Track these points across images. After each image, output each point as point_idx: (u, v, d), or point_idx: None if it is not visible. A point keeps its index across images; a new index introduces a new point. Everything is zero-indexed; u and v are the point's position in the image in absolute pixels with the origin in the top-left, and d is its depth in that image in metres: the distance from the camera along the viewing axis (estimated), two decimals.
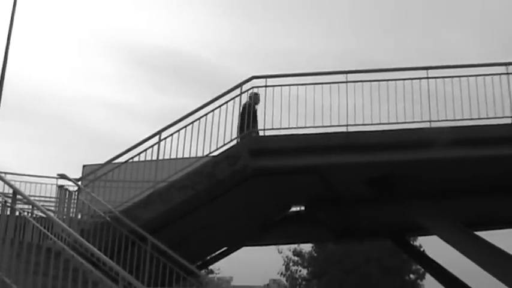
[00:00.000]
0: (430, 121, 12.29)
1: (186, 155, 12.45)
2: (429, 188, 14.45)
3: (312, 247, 34.80)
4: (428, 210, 13.30)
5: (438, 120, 12.26)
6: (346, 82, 12.62)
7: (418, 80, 12.59)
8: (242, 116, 13.25)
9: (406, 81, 12.60)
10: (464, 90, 12.38)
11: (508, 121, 12.19)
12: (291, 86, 12.59)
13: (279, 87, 12.66)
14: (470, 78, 12.48)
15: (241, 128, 13.18)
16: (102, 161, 12.77)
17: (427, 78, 12.62)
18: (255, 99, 13.57)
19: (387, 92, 12.39)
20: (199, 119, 12.69)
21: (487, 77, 12.52)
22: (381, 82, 12.48)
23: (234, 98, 12.73)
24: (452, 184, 14.46)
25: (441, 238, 13.02)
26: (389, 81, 12.53)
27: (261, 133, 12.51)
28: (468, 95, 12.34)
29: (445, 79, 12.56)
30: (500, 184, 14.53)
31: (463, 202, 15.32)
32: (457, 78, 12.52)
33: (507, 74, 12.47)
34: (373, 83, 12.52)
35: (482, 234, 14.57)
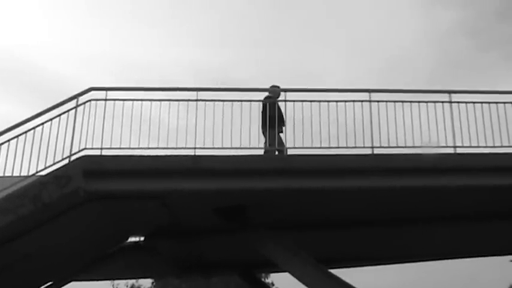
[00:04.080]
0: (286, 148, 12.82)
1: (8, 174, 12.20)
2: (283, 220, 14.85)
3: (152, 283, 34.60)
4: (279, 244, 13.67)
5: (294, 148, 12.76)
6: (197, 100, 12.88)
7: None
8: (264, 114, 13.38)
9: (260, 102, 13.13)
10: (326, 115, 12.97)
11: (368, 151, 12.88)
12: (135, 101, 12.69)
13: (122, 102, 12.73)
14: (331, 103, 13.08)
15: (263, 126, 13.32)
16: None
17: (285, 101, 13.17)
18: (275, 93, 13.65)
19: (241, 112, 12.71)
20: (26, 132, 12.47)
21: (349, 103, 13.15)
22: (234, 102, 12.80)
23: (68, 110, 12.64)
24: (309, 217, 15.02)
25: (292, 275, 13.41)
26: (244, 102, 12.89)
27: (96, 152, 12.46)
28: (328, 121, 12.95)
29: (304, 103, 13.06)
30: (359, 219, 15.36)
31: (319, 237, 15.92)
32: (317, 103, 13.08)
33: (369, 101, 13.18)
34: (226, 102, 12.80)
35: (339, 272, 15.15)
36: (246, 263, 17.88)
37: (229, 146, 12.63)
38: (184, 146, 12.59)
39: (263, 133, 13.58)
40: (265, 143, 13.55)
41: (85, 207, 12.41)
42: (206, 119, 12.75)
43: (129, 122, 12.65)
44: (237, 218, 13.81)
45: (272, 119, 13.45)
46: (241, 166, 12.34)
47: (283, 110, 13.54)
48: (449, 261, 19.29)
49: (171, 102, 12.83)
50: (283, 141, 13.68)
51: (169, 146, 12.51)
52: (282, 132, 13.77)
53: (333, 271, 13.80)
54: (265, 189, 12.54)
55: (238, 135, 12.63)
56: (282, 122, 13.62)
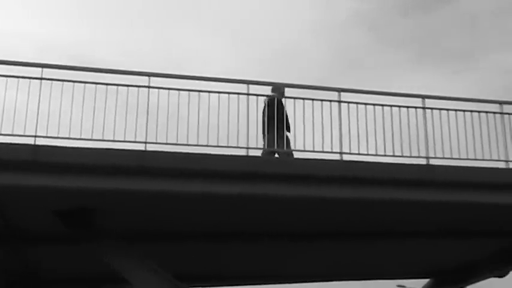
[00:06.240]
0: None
1: None
2: (141, 229, 14.50)
3: None
4: (133, 257, 13.16)
5: (174, 144, 12.39)
6: (41, 79, 12.20)
7: (137, 88, 12.63)
8: (268, 116, 13.53)
9: (128, 88, 12.59)
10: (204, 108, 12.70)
11: (242, 152, 12.62)
12: None
13: None
14: (211, 94, 12.84)
15: (266, 131, 13.45)
16: None
17: (149, 87, 12.67)
18: (279, 90, 13.80)
19: (94, 96, 12.27)
20: None
21: (228, 95, 12.94)
22: (88, 84, 12.32)
23: None
24: (172, 227, 14.65)
25: None
26: (100, 85, 12.43)
27: None
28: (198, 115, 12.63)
29: (170, 91, 12.73)
30: (230, 231, 15.12)
31: (184, 250, 15.72)
32: (196, 93, 12.81)
33: (247, 94, 12.94)
34: (77, 84, 12.29)
35: None
36: (92, 277, 17.48)
37: (79, 137, 12.11)
38: (22, 133, 11.98)
39: (263, 134, 13.72)
40: (264, 145, 13.65)
41: None
42: (52, 102, 12.14)
43: None
44: (83, 224, 13.22)
45: (272, 119, 13.61)
46: (88, 161, 11.70)
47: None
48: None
49: (9, 78, 12.12)
50: (290, 143, 13.82)
51: (3, 132, 11.87)
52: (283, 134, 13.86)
53: None
54: (117, 191, 12.01)
55: (90, 124, 12.20)
56: (284, 123, 13.74)
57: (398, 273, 19.51)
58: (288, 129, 13.95)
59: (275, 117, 13.57)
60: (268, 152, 13.52)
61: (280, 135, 13.68)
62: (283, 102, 13.76)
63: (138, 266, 13.05)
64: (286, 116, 13.88)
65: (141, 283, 13.00)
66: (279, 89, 14.04)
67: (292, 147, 13.18)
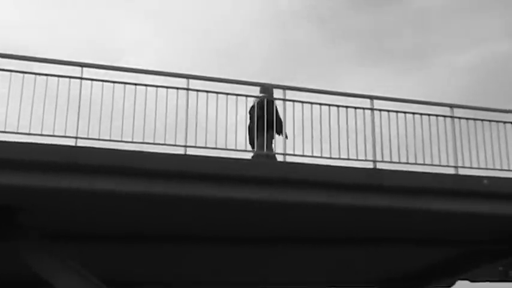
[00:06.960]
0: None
1: None
2: (67, 229, 14.11)
3: None
4: (55, 258, 12.70)
5: (106, 140, 12.02)
6: None
7: (69, 79, 12.20)
8: (254, 117, 13.49)
9: (59, 78, 12.16)
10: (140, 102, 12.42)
11: (180, 151, 12.31)
12: None
13: None
14: (149, 88, 12.50)
15: (251, 134, 13.52)
16: None
17: (81, 78, 12.26)
18: (268, 91, 13.75)
19: (21, 86, 11.76)
20: None
21: (167, 89, 12.64)
22: (13, 73, 11.83)
23: None
24: (103, 228, 14.30)
25: None
26: (28, 74, 11.95)
27: None
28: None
29: (104, 83, 12.34)
30: (169, 233, 14.86)
31: (115, 253, 15.44)
32: (133, 87, 12.49)
33: (187, 89, 12.65)
34: (2, 72, 11.80)
35: None
36: (10, 280, 17.08)
37: (3, 130, 11.63)
38: None
39: (251, 137, 13.76)
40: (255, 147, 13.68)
41: None
42: None
43: None
44: (4, 222, 12.74)
45: (269, 121, 13.58)
46: (13, 156, 11.19)
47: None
48: None
49: None
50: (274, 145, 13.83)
51: None
52: (273, 137, 13.86)
53: None
54: (43, 189, 11.53)
55: (16, 116, 11.73)
56: (272, 125, 13.73)
57: (343, 281, 19.41)
58: (278, 133, 13.80)
59: (273, 119, 13.60)
60: (258, 155, 13.36)
61: (270, 136, 13.63)
62: (275, 103, 13.77)
63: (62, 268, 12.61)
64: (279, 118, 13.73)
65: (61, 285, 12.54)
66: (268, 89, 13.87)
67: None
